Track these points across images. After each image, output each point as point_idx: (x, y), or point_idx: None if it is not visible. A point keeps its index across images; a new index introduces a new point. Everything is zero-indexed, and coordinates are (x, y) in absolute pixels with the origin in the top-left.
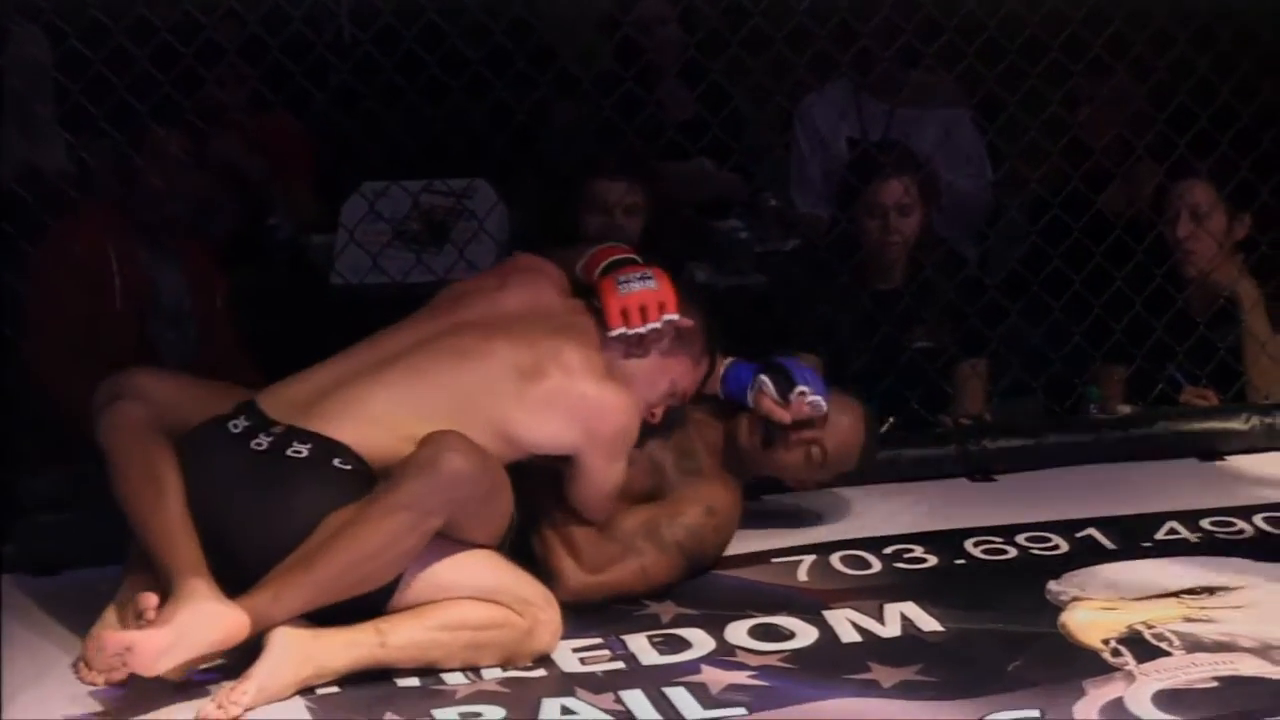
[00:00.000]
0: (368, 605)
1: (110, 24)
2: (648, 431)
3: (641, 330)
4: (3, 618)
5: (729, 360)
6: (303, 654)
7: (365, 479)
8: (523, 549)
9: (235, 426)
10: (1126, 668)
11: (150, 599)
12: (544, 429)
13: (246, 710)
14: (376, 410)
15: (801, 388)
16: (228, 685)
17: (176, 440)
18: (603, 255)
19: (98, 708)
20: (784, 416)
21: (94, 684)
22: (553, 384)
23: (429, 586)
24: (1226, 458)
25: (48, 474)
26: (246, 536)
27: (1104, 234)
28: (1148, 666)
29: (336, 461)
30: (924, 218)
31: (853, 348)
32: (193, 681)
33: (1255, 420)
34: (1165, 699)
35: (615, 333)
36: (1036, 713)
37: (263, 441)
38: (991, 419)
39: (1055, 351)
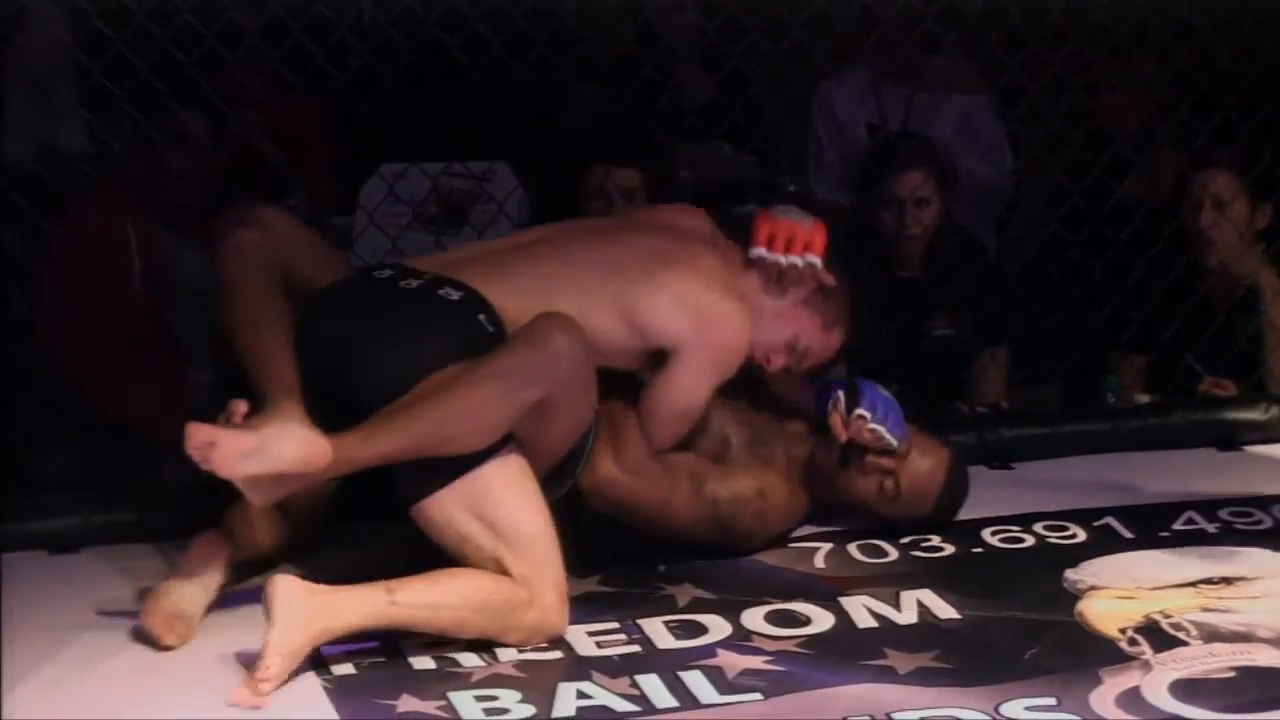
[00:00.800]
0: (422, 482)
1: (132, 4)
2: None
3: (780, 260)
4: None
5: (821, 380)
6: (309, 613)
7: (498, 343)
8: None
9: (381, 274)
10: (1143, 657)
11: (240, 405)
12: (661, 312)
13: (276, 681)
14: (526, 281)
15: (861, 411)
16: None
17: (319, 289)
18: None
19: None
20: (840, 433)
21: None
22: (681, 276)
23: (479, 496)
24: (1245, 447)
25: (65, 453)
26: (380, 363)
27: (1124, 222)
28: (1164, 656)
29: (482, 317)
30: (942, 207)
31: (871, 334)
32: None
33: (1274, 410)
34: (1182, 689)
35: (755, 253)
36: (1053, 700)
37: (412, 283)
38: (1010, 407)
39: (1074, 340)
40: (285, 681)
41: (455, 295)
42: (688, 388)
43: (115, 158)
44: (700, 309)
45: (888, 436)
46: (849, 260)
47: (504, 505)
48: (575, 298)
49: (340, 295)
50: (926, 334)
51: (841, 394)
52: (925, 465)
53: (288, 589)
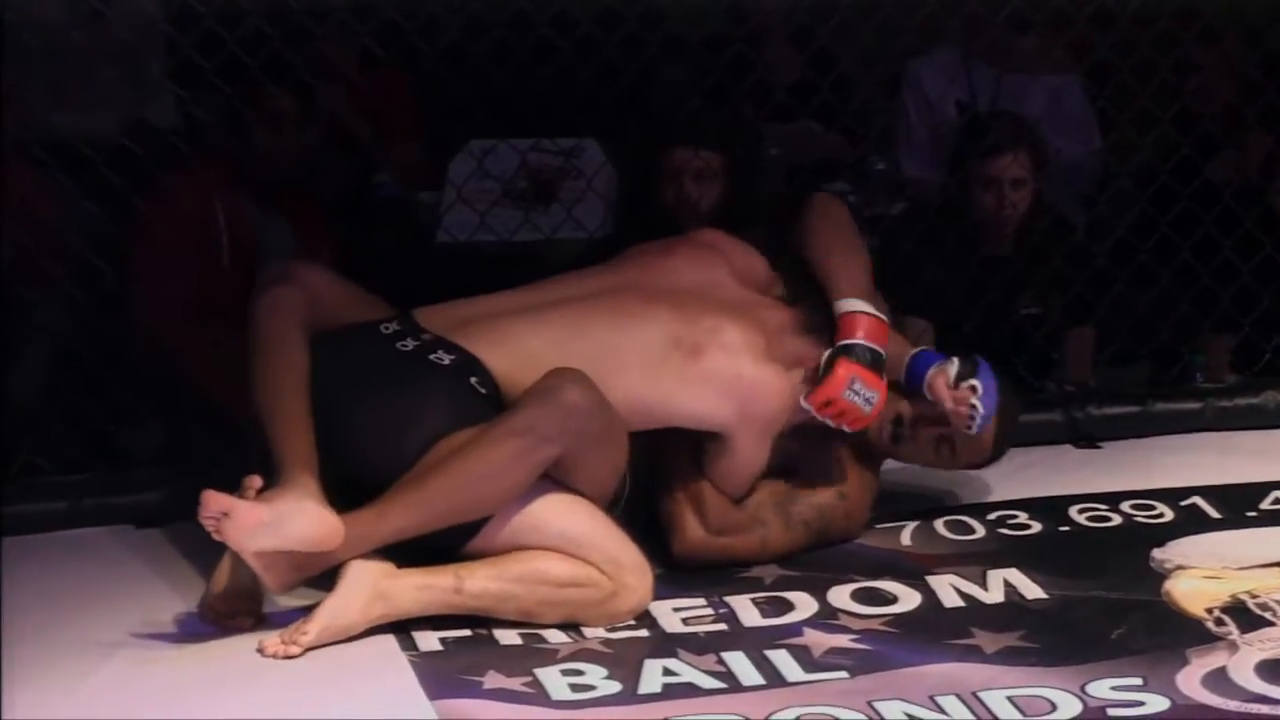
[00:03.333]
0: (459, 531)
1: None
2: None
3: (827, 422)
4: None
5: (919, 348)
6: (374, 591)
7: (494, 406)
8: (644, 516)
9: (386, 328)
10: (1230, 637)
11: (255, 480)
12: (697, 404)
13: (309, 646)
14: (525, 348)
15: (974, 382)
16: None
17: (328, 333)
18: (861, 325)
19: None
20: (945, 398)
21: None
22: (711, 361)
23: (521, 522)
24: None
25: (152, 428)
26: (367, 428)
27: (1213, 202)
28: (1251, 636)
29: (473, 380)
30: (1036, 188)
31: (960, 313)
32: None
33: None
34: (1268, 669)
35: (805, 406)
36: (1139, 680)
37: (409, 344)
38: (1097, 386)
39: (1162, 319)
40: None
41: (447, 360)
42: (744, 460)
43: (204, 133)
44: (735, 390)
45: (979, 419)
46: (937, 238)
47: (550, 519)
48: (595, 379)
49: (343, 354)
50: (1015, 313)
51: (957, 361)
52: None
53: (361, 567)
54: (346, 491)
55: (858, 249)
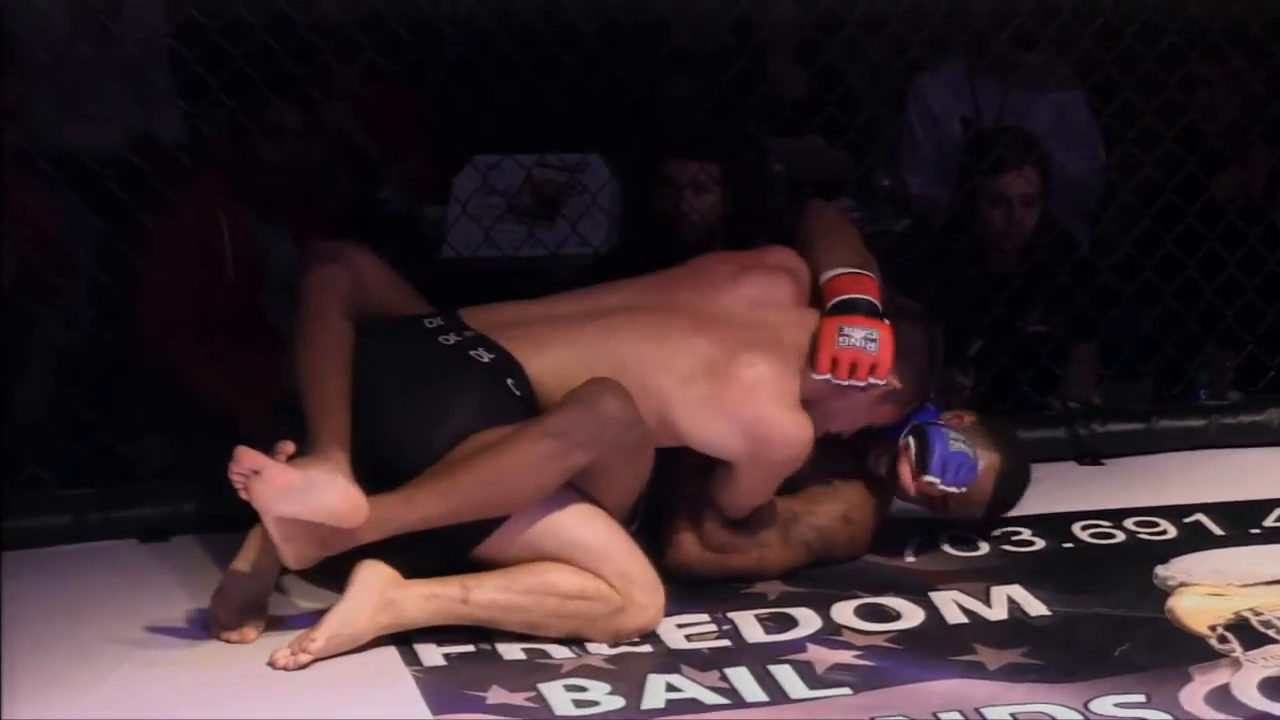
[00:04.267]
0: (475, 528)
1: None
2: None
3: (843, 384)
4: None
5: None
6: (382, 600)
7: (527, 410)
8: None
9: (430, 323)
10: (1233, 654)
11: (288, 445)
12: (710, 433)
13: (319, 655)
14: (562, 357)
15: (929, 478)
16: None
17: (372, 323)
18: (841, 285)
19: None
20: (909, 486)
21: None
22: (734, 396)
23: (537, 524)
24: None
25: (157, 441)
26: (404, 417)
27: (1217, 219)
28: (1254, 654)
29: (510, 382)
30: (1042, 205)
31: (965, 329)
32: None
33: None
34: (1271, 686)
35: (819, 378)
36: (1142, 697)
37: (451, 338)
38: (1101, 403)
39: (1166, 336)
40: (372, 674)
41: (486, 358)
42: (748, 491)
43: (209, 147)
44: (751, 430)
45: (955, 491)
46: (942, 255)
47: (566, 524)
48: None
49: (387, 344)
50: (1021, 330)
51: (913, 445)
52: (978, 475)
53: (369, 574)
54: (375, 478)
55: (845, 231)
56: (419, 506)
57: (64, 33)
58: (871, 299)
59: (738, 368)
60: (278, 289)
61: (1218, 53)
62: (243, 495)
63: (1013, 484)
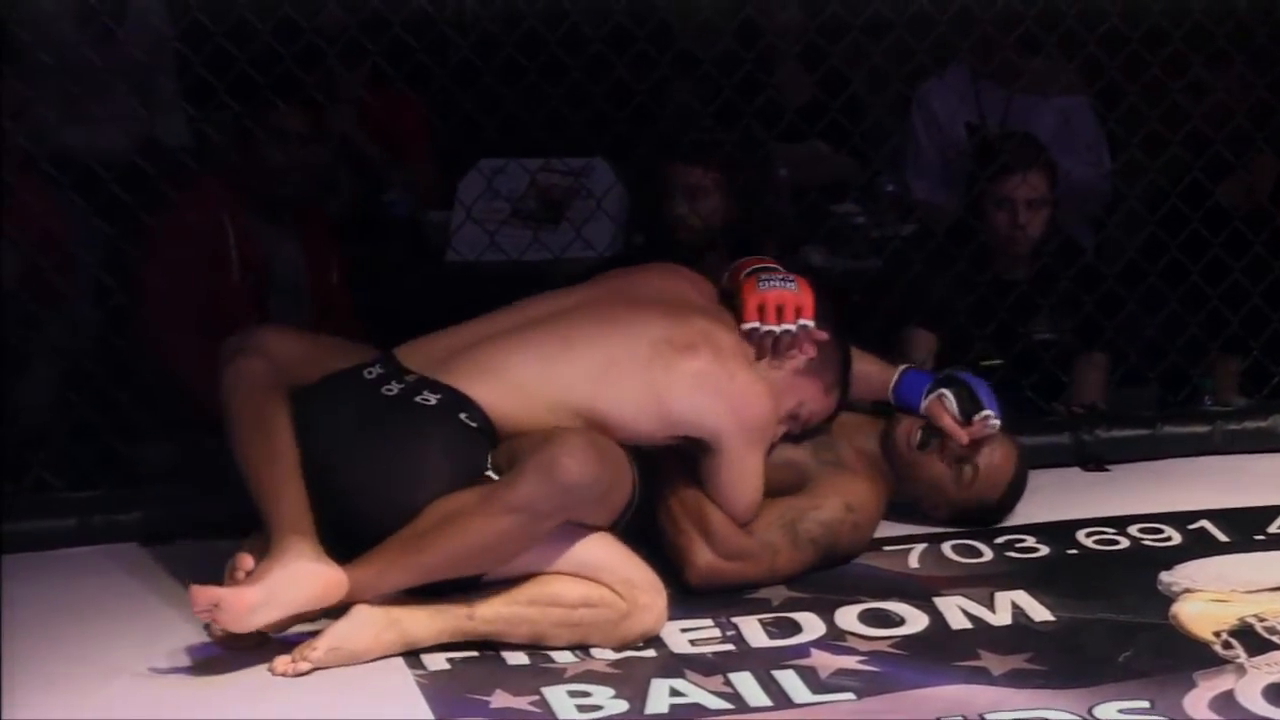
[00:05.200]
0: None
1: None
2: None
3: (775, 329)
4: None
5: (903, 367)
6: (387, 619)
7: (488, 439)
8: (647, 531)
9: (369, 373)
10: (1237, 660)
11: (245, 560)
12: (691, 405)
13: (316, 667)
14: (515, 374)
15: (987, 411)
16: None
17: (310, 385)
18: (747, 263)
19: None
20: (961, 436)
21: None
22: (704, 362)
23: (530, 555)
24: None
25: (162, 445)
26: (361, 479)
27: (1222, 225)
28: (1259, 660)
29: (463, 416)
30: (1051, 210)
31: (970, 334)
32: (288, 639)
33: None
34: (1276, 693)
35: (748, 326)
36: (1146, 704)
37: (393, 388)
38: (1106, 409)
39: (1171, 342)
40: (376, 678)
41: (433, 399)
42: (738, 468)
43: (215, 151)
44: (728, 392)
45: (998, 424)
46: (949, 260)
47: (560, 547)
48: (591, 392)
49: (328, 404)
50: (1027, 337)
51: (949, 393)
52: (1000, 454)
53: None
54: (346, 540)
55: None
56: (389, 580)
57: (69, 36)
58: (773, 264)
59: (696, 335)
60: (283, 293)
61: (1223, 58)
62: (216, 630)
63: (1024, 477)
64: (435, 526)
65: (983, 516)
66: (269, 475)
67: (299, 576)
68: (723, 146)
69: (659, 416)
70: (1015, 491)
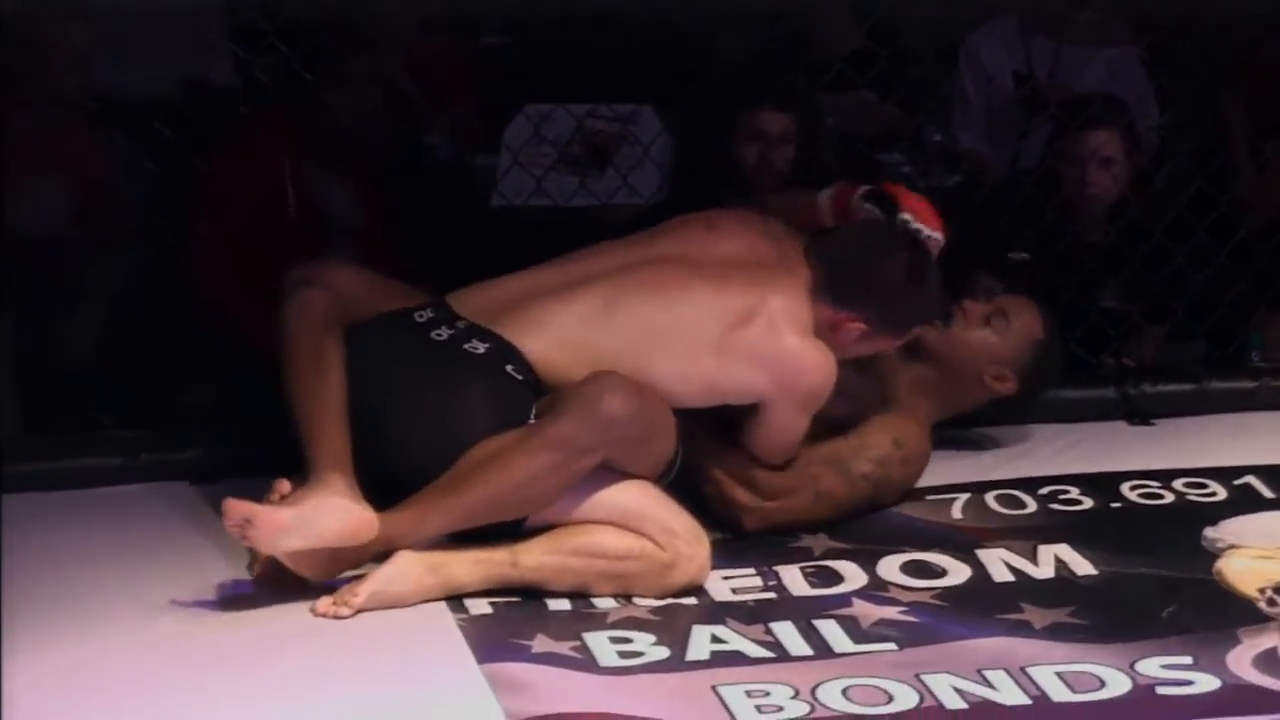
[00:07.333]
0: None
1: None
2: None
3: (927, 233)
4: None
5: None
6: (429, 564)
7: (532, 392)
8: (687, 492)
9: (420, 316)
10: None
11: (284, 484)
12: (736, 376)
13: (358, 610)
14: (562, 330)
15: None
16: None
17: (361, 323)
18: (852, 188)
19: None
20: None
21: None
22: (754, 333)
23: (571, 502)
24: None
25: (208, 386)
26: (404, 424)
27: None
28: None
29: (509, 368)
30: (1128, 172)
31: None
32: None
33: None
34: None
35: (903, 218)
36: (1189, 659)
37: (443, 333)
38: (1153, 363)
39: (1219, 298)
40: (418, 622)
41: (481, 349)
42: (781, 429)
43: (265, 93)
44: (778, 363)
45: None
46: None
47: (600, 495)
48: (633, 358)
49: (377, 344)
50: (1094, 306)
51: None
52: (1022, 301)
53: None
54: (386, 486)
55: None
56: (431, 522)
57: None
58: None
59: (749, 306)
60: (334, 235)
61: (1276, 12)
62: (243, 544)
63: (1057, 345)
64: (473, 467)
65: (1041, 370)
66: (316, 409)
67: (332, 510)
68: (803, 93)
69: (706, 387)
70: (1054, 340)
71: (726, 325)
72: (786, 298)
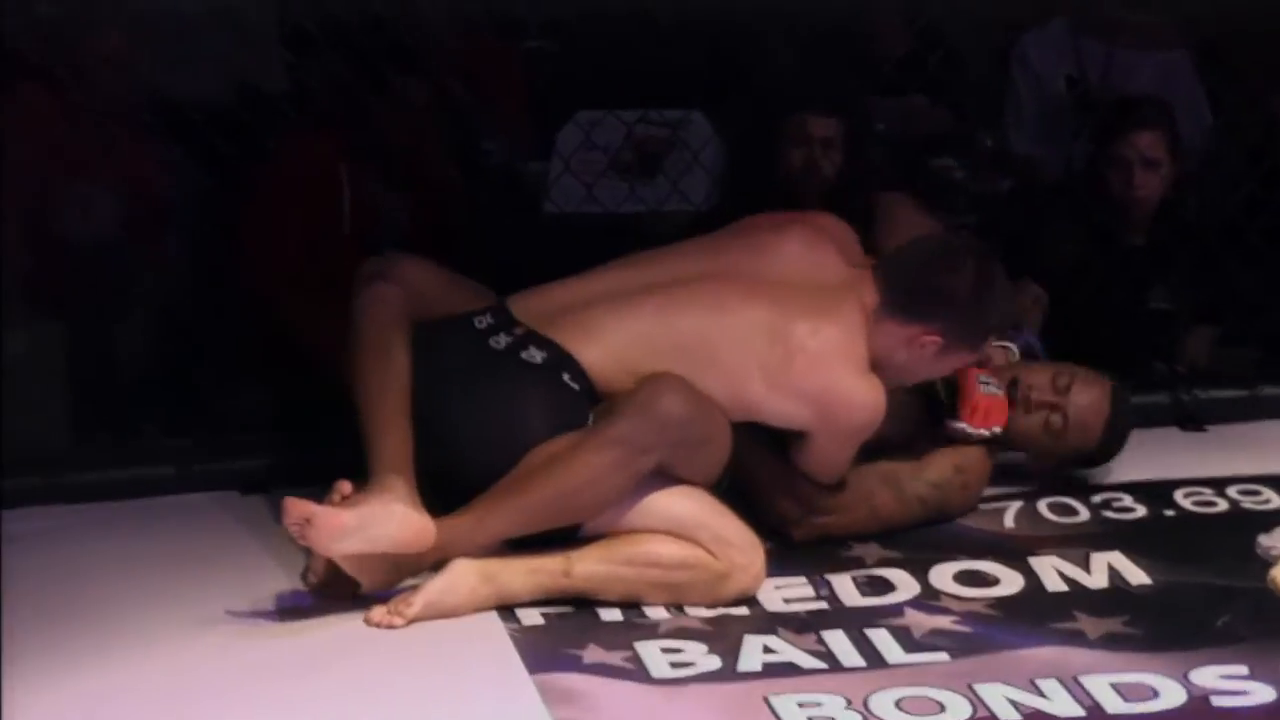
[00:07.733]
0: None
1: None
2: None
3: (977, 434)
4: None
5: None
6: (483, 573)
7: (589, 401)
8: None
9: (480, 322)
10: None
11: (345, 485)
12: (780, 405)
13: (412, 620)
14: (619, 340)
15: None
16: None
17: (423, 325)
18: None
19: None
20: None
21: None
22: (801, 365)
23: (625, 511)
24: None
25: (259, 393)
26: (461, 429)
27: None
28: None
29: (566, 376)
30: (1174, 174)
31: (1073, 294)
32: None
33: None
34: None
35: (959, 426)
36: (1244, 669)
37: (501, 341)
38: (1205, 369)
39: (1272, 302)
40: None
41: (539, 358)
42: (825, 459)
43: (319, 100)
44: (822, 398)
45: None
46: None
47: (655, 503)
48: (683, 373)
49: (437, 349)
50: (1144, 308)
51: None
52: (1088, 397)
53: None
54: (442, 493)
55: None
56: (490, 527)
57: None
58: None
59: (801, 336)
60: (388, 241)
61: None
62: (301, 544)
63: (1125, 413)
64: (531, 471)
65: (1090, 460)
66: (380, 408)
67: (393, 515)
68: (850, 98)
69: (750, 411)
70: (1115, 432)
71: (779, 355)
72: (842, 327)
